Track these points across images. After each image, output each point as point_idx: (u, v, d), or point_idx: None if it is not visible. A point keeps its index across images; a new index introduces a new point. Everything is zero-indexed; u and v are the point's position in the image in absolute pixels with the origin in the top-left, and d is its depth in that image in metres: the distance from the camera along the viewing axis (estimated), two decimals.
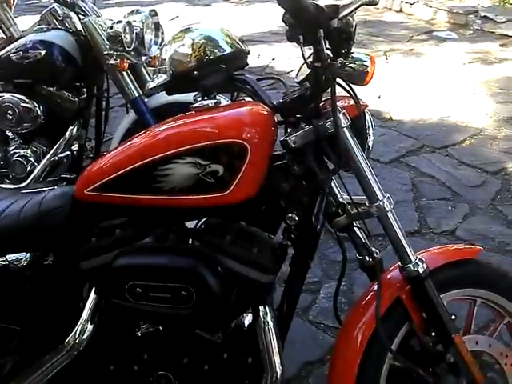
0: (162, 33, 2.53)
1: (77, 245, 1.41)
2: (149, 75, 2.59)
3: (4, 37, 3.63)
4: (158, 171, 1.25)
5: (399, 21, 6.26)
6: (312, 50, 1.23)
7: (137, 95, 2.48)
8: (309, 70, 1.32)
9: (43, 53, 2.44)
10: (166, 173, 1.24)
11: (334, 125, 1.24)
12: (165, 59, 1.48)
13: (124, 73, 2.44)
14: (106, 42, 2.37)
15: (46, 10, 2.67)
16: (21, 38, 2.64)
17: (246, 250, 1.30)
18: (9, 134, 2.70)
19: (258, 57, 4.53)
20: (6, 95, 2.54)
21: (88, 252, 1.39)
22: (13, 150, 2.65)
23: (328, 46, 1.19)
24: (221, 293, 1.27)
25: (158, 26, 2.49)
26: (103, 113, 2.76)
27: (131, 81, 2.48)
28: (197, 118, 1.29)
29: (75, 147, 2.71)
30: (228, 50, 1.43)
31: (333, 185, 1.36)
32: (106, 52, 2.38)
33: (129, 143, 1.36)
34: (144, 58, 2.47)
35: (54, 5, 2.62)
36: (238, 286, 1.32)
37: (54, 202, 1.42)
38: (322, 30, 1.16)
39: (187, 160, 1.23)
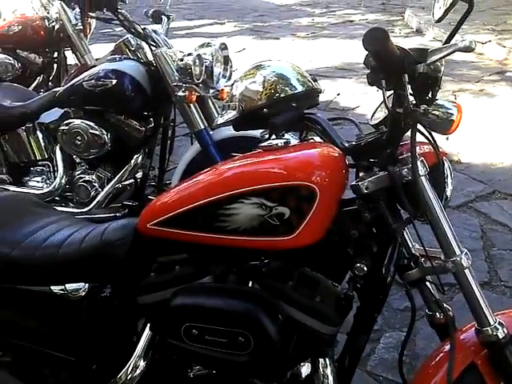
0: (231, 66, 2.54)
1: (135, 278, 1.39)
2: (215, 108, 2.60)
3: (78, 64, 3.77)
4: (222, 210, 1.21)
5: (469, 60, 6.10)
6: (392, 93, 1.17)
7: (202, 127, 2.48)
8: (385, 113, 1.26)
9: (114, 82, 2.49)
10: (231, 212, 1.21)
11: (412, 173, 1.17)
12: (235, 95, 1.47)
13: (191, 105, 2.45)
14: (176, 73, 2.40)
15: (120, 40, 2.74)
16: (94, 66, 2.72)
17: (309, 298, 1.24)
18: (76, 158, 2.76)
19: (322, 92, 4.48)
20: (76, 121, 2.61)
21: (146, 287, 1.37)
22: (78, 174, 2.71)
23: (411, 91, 1.13)
24: (280, 342, 1.21)
25: (227, 60, 2.50)
26: (168, 142, 2.79)
27: (198, 113, 2.49)
28: (265, 158, 1.25)
29: (139, 175, 2.74)
30: (300, 88, 1.41)
31: (405, 234, 1.28)
32: (174, 83, 2.40)
33: (194, 179, 1.33)
34: (212, 90, 2.48)
35: (128, 36, 2.69)
36: (298, 335, 1.25)
37: (116, 234, 1.41)
38: (406, 75, 1.10)
39: (253, 201, 1.19)
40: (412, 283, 1.26)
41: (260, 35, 7.32)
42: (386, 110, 1.24)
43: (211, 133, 2.51)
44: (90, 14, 2.60)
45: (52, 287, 1.45)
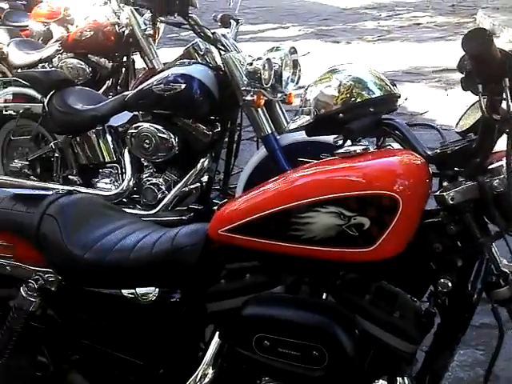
0: (299, 70, 2.51)
1: (205, 285, 1.37)
2: (283, 112, 2.57)
3: (146, 68, 3.83)
4: (297, 218, 1.17)
5: None
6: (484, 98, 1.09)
7: (270, 132, 2.45)
8: (471, 120, 1.19)
9: (183, 86, 2.50)
10: (306, 221, 1.17)
11: (507, 184, 1.09)
12: (309, 100, 1.44)
13: (259, 109, 2.43)
14: (245, 77, 2.39)
15: (189, 44, 2.75)
16: (163, 70, 2.75)
17: (387, 314, 1.19)
18: (143, 161, 2.79)
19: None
20: (145, 125, 2.64)
21: (216, 294, 1.35)
22: (146, 177, 2.74)
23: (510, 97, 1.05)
24: (356, 358, 1.16)
25: (296, 64, 2.48)
26: (234, 146, 2.78)
27: (265, 117, 2.46)
28: (343, 165, 1.21)
29: (204, 179, 2.75)
30: (377, 92, 1.37)
31: (493, 249, 1.19)
32: (243, 88, 2.39)
33: (268, 185, 1.30)
34: (279, 94, 2.46)
35: (198, 40, 2.70)
36: (375, 351, 1.19)
37: (186, 239, 1.40)
38: (507, 80, 1.03)
39: (330, 209, 1.14)
40: (500, 302, 1.18)
41: (325, 39, 7.24)
42: (474, 117, 1.16)
43: (278, 137, 2.48)
44: (162, 18, 2.62)
45: (123, 291, 1.45)
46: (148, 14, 3.59)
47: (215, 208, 2.78)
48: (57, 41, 4.30)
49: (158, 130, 2.59)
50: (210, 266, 1.36)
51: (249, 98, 2.34)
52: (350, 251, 1.15)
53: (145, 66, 3.88)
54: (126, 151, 2.77)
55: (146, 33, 3.61)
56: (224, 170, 2.81)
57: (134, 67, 4.04)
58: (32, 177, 3.09)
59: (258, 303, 1.26)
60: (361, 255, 1.15)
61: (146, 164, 2.78)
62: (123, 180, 2.78)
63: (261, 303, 1.26)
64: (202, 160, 2.66)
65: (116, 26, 3.79)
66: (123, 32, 3.78)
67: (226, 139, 2.77)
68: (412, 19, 8.18)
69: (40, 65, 3.96)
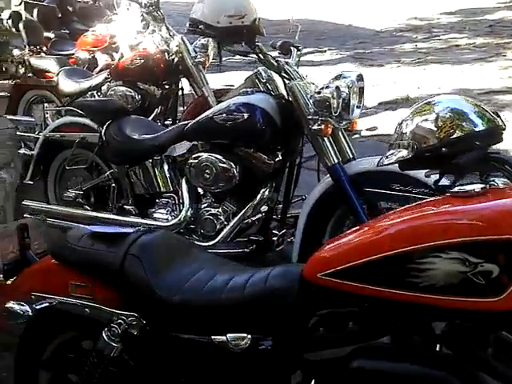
0: (364, 97, 2.44)
1: (301, 331, 1.28)
2: (346, 140, 2.48)
3: (194, 94, 3.81)
4: (415, 264, 1.09)
5: None
6: None
7: (336, 161, 2.37)
8: None
9: (246, 115, 2.45)
10: (426, 267, 1.08)
11: None
12: (405, 133, 1.38)
13: (325, 138, 2.36)
14: (311, 106, 2.32)
15: (252, 73, 2.71)
16: (220, 100, 2.70)
17: None
18: (200, 191, 2.73)
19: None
20: (205, 154, 2.58)
21: (315, 342, 1.27)
22: (204, 207, 2.67)
23: None
24: None
25: (362, 91, 2.41)
26: (294, 176, 2.70)
27: (332, 146, 2.38)
28: (465, 207, 1.12)
29: (264, 209, 2.67)
30: (480, 125, 1.30)
31: None
32: (309, 116, 2.32)
33: (373, 227, 1.22)
34: (344, 122, 2.38)
35: (260, 68, 2.65)
36: None
37: (280, 281, 1.32)
38: None
39: (453, 255, 1.06)
40: None
41: (363, 62, 7.18)
42: None
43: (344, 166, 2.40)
44: (228, 47, 2.59)
45: (212, 336, 1.36)
46: (199, 42, 3.59)
47: (274, 239, 2.72)
48: (102, 69, 4.33)
49: (218, 159, 2.53)
50: (306, 311, 1.28)
51: (316, 127, 2.27)
52: (474, 301, 1.06)
53: (192, 92, 3.87)
54: (183, 181, 2.70)
55: (196, 60, 3.60)
56: (283, 200, 2.73)
57: (182, 94, 4.02)
58: (86, 206, 3.06)
59: (368, 355, 1.17)
60: (487, 305, 1.06)
61: (203, 194, 2.72)
62: (180, 210, 2.71)
63: (371, 355, 1.17)
64: (263, 190, 2.58)
65: (165, 54, 3.78)
66: (173, 60, 3.76)
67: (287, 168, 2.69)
68: (450, 41, 8.07)
69: (89, 93, 3.98)
